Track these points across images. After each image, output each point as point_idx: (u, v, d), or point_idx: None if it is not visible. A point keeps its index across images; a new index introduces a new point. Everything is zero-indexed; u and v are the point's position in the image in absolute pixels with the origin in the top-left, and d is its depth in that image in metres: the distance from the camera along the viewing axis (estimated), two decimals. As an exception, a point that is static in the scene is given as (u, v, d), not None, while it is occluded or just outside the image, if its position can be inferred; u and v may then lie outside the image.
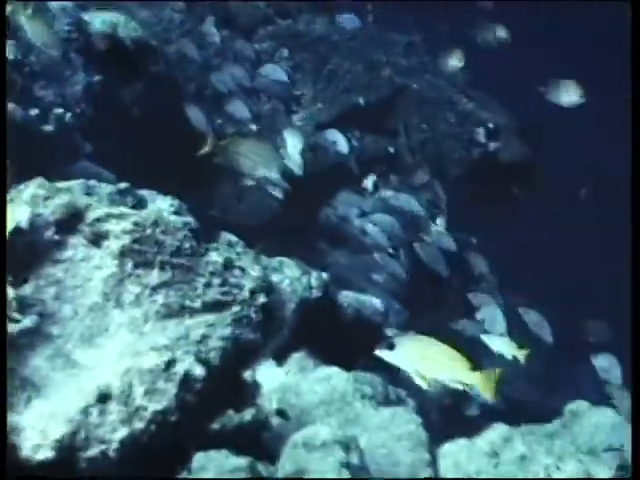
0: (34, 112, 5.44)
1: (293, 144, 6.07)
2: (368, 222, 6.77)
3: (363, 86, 7.54)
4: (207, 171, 7.02)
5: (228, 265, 2.60)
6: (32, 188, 2.56)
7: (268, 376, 4.15)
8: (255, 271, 2.64)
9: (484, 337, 5.39)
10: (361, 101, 7.49)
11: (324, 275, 5.10)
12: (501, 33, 6.93)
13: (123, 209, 2.55)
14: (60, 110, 5.68)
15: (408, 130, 7.60)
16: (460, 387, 3.01)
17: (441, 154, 7.54)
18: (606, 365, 5.84)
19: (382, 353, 3.09)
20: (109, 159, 6.14)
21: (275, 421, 4.01)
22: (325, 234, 7.11)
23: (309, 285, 4.91)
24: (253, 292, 2.57)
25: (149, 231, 2.49)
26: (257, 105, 7.43)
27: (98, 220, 2.51)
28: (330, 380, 4.46)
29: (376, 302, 5.41)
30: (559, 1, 12.19)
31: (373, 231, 6.62)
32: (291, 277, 4.86)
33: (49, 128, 5.53)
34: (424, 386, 3.07)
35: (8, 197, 3.58)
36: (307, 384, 4.41)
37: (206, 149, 3.31)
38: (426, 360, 2.97)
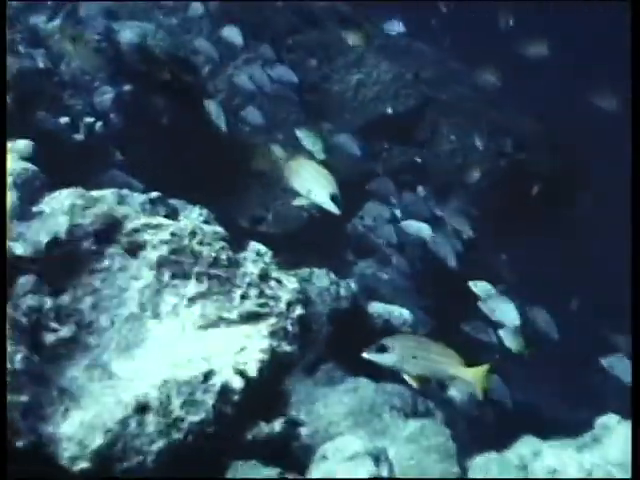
0: (64, 121, 5.47)
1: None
2: (394, 232, 6.76)
3: (391, 96, 7.52)
4: (235, 180, 7.05)
5: (264, 276, 2.59)
6: (71, 198, 2.56)
7: (297, 386, 4.14)
8: (291, 283, 2.63)
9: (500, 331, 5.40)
10: (389, 111, 7.48)
11: (353, 285, 5.09)
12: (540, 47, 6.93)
13: (160, 219, 2.56)
14: (90, 119, 5.70)
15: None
16: (450, 382, 3.03)
17: (469, 165, 7.50)
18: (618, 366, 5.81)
19: (372, 356, 3.08)
20: (137, 167, 6.16)
21: (304, 431, 4.00)
22: (352, 244, 7.10)
23: (338, 295, 4.90)
24: (290, 304, 2.56)
25: (186, 242, 2.49)
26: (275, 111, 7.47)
27: (136, 230, 2.52)
28: (358, 391, 4.44)
29: (404, 312, 5.39)
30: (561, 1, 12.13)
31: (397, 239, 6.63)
32: (320, 287, 4.85)
33: (80, 137, 5.55)
34: (415, 385, 3.07)
35: (43, 204, 3.60)
36: (335, 395, 4.40)
37: (266, 165, 3.30)
38: (417, 359, 3.01)
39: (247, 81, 6.97)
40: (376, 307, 5.30)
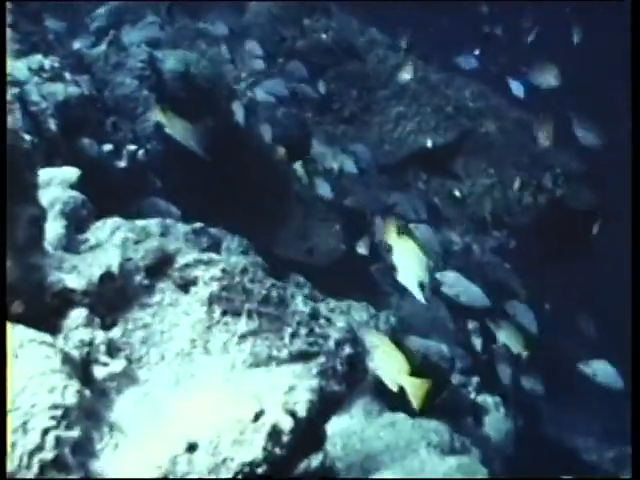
0: (108, 148, 5.50)
1: None
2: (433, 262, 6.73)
3: (431, 128, 7.53)
4: (274, 209, 7.06)
5: (314, 315, 2.58)
6: (123, 231, 2.57)
7: (333, 420, 4.11)
8: (341, 321, 2.62)
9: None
10: (429, 143, 7.49)
11: (392, 319, 5.08)
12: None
13: (212, 255, 2.56)
14: (133, 147, 5.74)
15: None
16: (393, 388, 2.99)
17: (508, 199, 7.48)
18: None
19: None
20: (176, 194, 6.20)
21: (340, 466, 3.98)
22: (389, 276, 7.08)
23: (377, 329, 4.89)
24: (339, 343, 2.55)
25: (237, 279, 2.49)
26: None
27: (187, 266, 2.52)
28: (395, 426, 4.42)
29: (443, 348, 5.36)
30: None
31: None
32: (359, 321, 4.84)
33: (122, 164, 5.59)
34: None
35: (89, 233, 3.63)
36: (372, 429, 4.38)
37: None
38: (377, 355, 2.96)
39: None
40: (414, 341, 5.27)
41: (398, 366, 2.95)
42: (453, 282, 5.71)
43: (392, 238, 3.06)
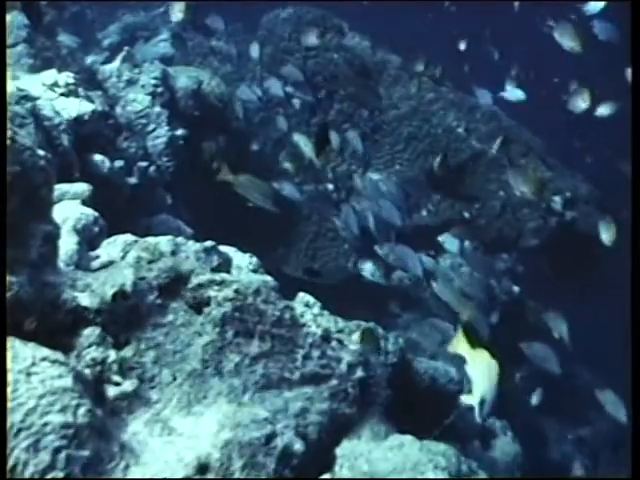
0: (119, 164, 5.51)
1: None
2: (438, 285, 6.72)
3: (442, 150, 7.53)
4: (283, 228, 7.07)
5: (327, 337, 2.58)
6: (136, 251, 2.57)
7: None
8: (353, 344, 2.61)
9: None
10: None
11: (400, 340, 5.05)
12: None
13: (225, 276, 2.55)
14: (144, 163, 5.76)
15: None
16: None
17: (518, 222, 7.47)
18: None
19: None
20: (187, 212, 6.20)
21: (347, 488, 3.95)
22: (397, 296, 7.07)
23: (385, 350, 4.86)
24: (351, 366, 2.54)
25: (250, 300, 2.49)
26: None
27: (200, 286, 2.52)
28: (403, 448, 4.38)
29: (451, 370, 5.33)
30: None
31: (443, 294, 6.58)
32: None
33: (133, 180, 5.60)
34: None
35: (100, 250, 3.63)
36: (379, 451, 4.34)
37: None
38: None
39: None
40: (422, 363, 5.24)
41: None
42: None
43: (464, 349, 3.07)
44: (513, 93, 7.84)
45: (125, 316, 2.43)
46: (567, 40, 6.15)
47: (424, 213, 7.45)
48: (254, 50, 7.53)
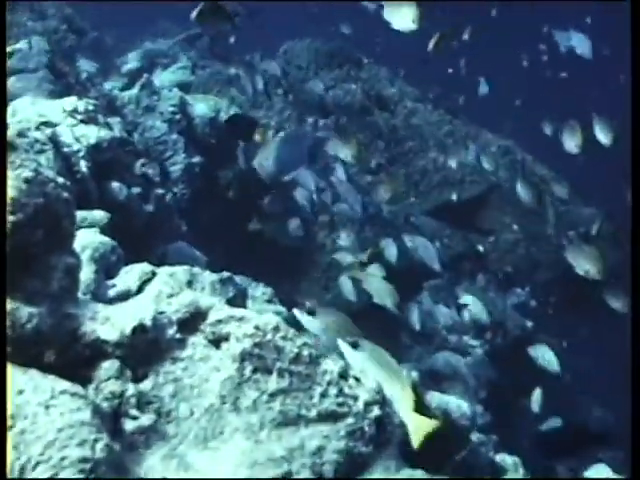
0: (136, 191, 5.53)
1: None
2: (451, 318, 6.72)
3: (457, 182, 7.54)
4: (295, 258, 7.07)
5: (344, 374, 2.58)
6: (157, 285, 2.58)
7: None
8: (370, 382, 2.61)
9: None
10: (454, 197, 7.50)
11: (414, 374, 5.04)
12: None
13: (244, 312, 2.56)
14: (161, 190, 5.77)
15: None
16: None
17: (532, 256, 7.47)
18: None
19: (342, 345, 3.00)
20: (202, 239, 6.22)
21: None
22: (410, 328, 7.05)
23: (398, 384, 4.85)
24: (367, 404, 2.54)
25: (269, 336, 2.49)
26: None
27: (220, 321, 2.52)
28: (413, 483, 4.37)
29: (463, 405, 5.31)
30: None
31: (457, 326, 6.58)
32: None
33: (149, 208, 5.61)
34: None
35: (117, 279, 3.65)
36: (390, 486, 4.33)
37: None
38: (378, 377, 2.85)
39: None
40: (434, 397, 5.23)
41: (406, 401, 2.88)
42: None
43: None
44: None
45: (144, 350, 2.44)
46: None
47: (437, 245, 7.45)
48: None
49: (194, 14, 4.66)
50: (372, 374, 2.84)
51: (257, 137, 6.80)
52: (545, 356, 6.12)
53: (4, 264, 2.23)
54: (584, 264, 5.47)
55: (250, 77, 7.58)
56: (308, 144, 6.54)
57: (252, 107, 8.01)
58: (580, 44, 6.99)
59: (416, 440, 2.88)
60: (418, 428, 2.90)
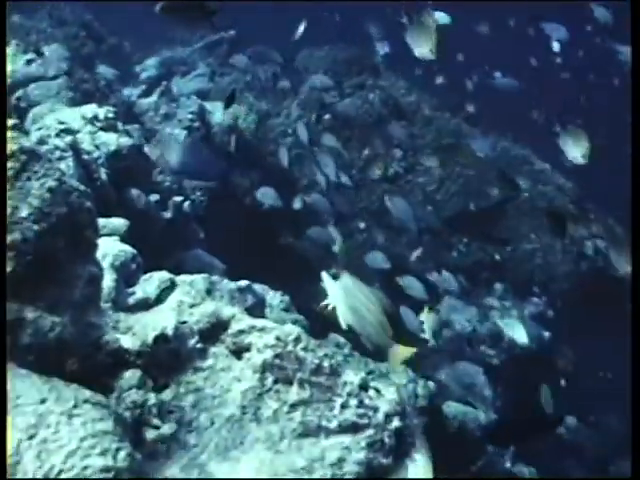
0: (155, 198, 5.55)
1: None
2: (469, 328, 6.71)
3: (474, 191, 7.53)
4: (312, 264, 7.07)
5: (364, 385, 2.58)
6: (178, 295, 2.59)
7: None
8: (390, 393, 2.61)
9: None
10: (471, 206, 7.49)
11: (430, 384, 5.04)
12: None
13: (266, 322, 2.56)
14: (179, 198, 5.79)
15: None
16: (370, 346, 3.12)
17: (549, 266, 7.45)
18: None
19: (325, 277, 3.14)
20: (219, 245, 6.22)
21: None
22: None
23: (415, 393, 4.85)
24: (388, 415, 2.54)
25: (291, 347, 2.49)
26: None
27: (241, 332, 2.53)
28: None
29: (479, 414, 5.31)
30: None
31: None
32: (397, 384, 4.80)
33: (168, 215, 5.63)
34: (343, 325, 3.07)
35: (137, 287, 3.66)
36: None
37: None
38: (355, 311, 3.02)
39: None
40: (451, 407, 5.23)
41: (384, 332, 3.03)
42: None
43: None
44: None
45: (166, 359, 2.45)
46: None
47: (454, 254, 7.45)
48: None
49: (157, 7, 4.28)
50: (348, 302, 3.02)
51: None
52: (515, 327, 6.15)
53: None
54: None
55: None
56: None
57: (272, 115, 8.03)
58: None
59: (394, 365, 3.06)
60: (395, 354, 3.06)
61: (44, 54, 6.07)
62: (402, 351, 3.11)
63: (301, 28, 6.69)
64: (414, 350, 3.12)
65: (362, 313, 3.00)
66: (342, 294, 3.03)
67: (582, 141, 5.56)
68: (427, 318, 4.87)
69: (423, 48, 4.54)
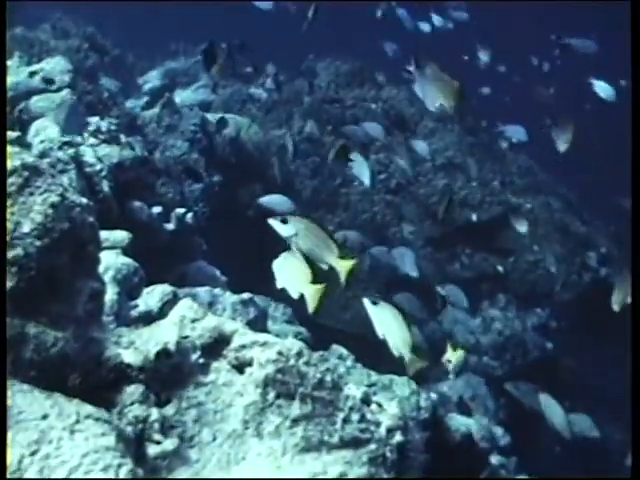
0: (157, 210, 5.56)
1: None
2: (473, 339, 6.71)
3: (477, 203, 7.54)
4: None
5: (366, 400, 2.58)
6: (180, 309, 2.59)
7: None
8: (392, 407, 2.61)
9: None
10: (474, 217, 7.49)
11: (433, 396, 5.03)
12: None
13: (268, 337, 2.56)
14: (182, 210, 5.80)
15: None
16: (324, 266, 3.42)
17: (551, 276, 7.44)
18: None
19: (274, 223, 3.42)
20: (221, 257, 6.23)
21: None
22: (430, 348, 7.04)
23: (418, 406, 4.84)
24: (390, 430, 2.54)
25: (293, 361, 2.49)
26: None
27: (243, 347, 2.53)
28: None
29: (483, 427, 5.31)
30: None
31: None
32: (400, 396, 4.80)
33: (170, 227, 5.64)
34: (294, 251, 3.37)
35: (139, 300, 3.66)
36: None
37: None
38: (307, 238, 3.35)
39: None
40: (455, 419, 5.22)
41: (331, 249, 3.37)
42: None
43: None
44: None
45: (168, 374, 2.45)
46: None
47: (457, 266, 7.45)
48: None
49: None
50: (301, 243, 3.33)
51: None
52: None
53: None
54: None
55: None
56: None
57: (274, 127, 8.04)
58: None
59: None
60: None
61: (54, 81, 6.06)
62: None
63: (310, 12, 6.67)
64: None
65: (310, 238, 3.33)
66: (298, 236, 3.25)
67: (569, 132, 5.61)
68: (453, 356, 4.95)
69: (439, 101, 4.18)
